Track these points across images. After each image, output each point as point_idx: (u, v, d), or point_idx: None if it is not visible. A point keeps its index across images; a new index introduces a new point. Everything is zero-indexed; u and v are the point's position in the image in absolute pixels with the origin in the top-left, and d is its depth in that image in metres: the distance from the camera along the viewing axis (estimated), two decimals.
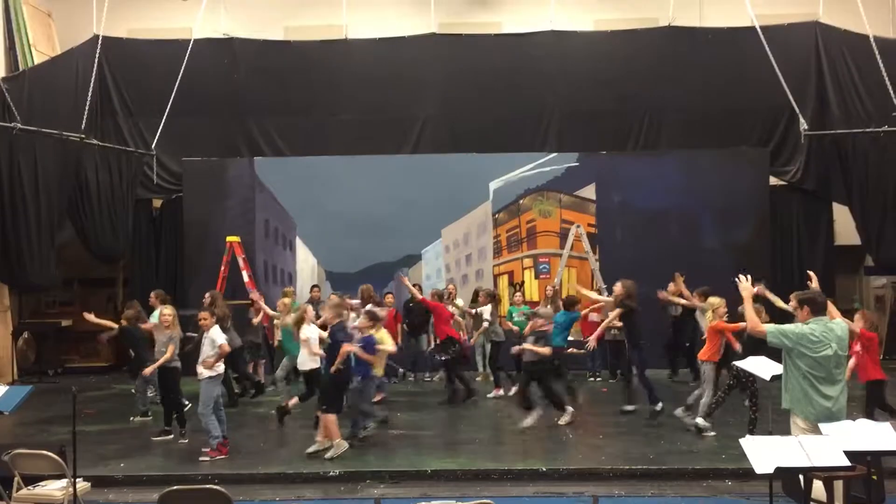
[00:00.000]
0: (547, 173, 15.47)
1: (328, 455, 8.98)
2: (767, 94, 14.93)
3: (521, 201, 15.52)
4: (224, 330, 10.75)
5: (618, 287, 10.93)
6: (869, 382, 8.99)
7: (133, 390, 11.84)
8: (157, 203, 16.39)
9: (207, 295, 12.08)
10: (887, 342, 15.64)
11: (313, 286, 14.36)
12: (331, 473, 8.60)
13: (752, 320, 6.55)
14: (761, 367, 8.68)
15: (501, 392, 12.47)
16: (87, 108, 14.49)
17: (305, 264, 15.69)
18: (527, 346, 10.19)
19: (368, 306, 10.68)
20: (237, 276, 14.63)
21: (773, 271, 15.04)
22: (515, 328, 12.93)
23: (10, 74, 14.25)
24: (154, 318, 11.77)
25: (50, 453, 6.67)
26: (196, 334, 10.20)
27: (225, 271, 14.66)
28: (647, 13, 16.44)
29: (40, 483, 6.83)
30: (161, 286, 14.36)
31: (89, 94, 14.61)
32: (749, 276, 6.83)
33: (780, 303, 10.28)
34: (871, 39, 13.86)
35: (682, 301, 11.81)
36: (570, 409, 10.36)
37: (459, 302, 13.58)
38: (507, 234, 15.56)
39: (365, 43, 16.21)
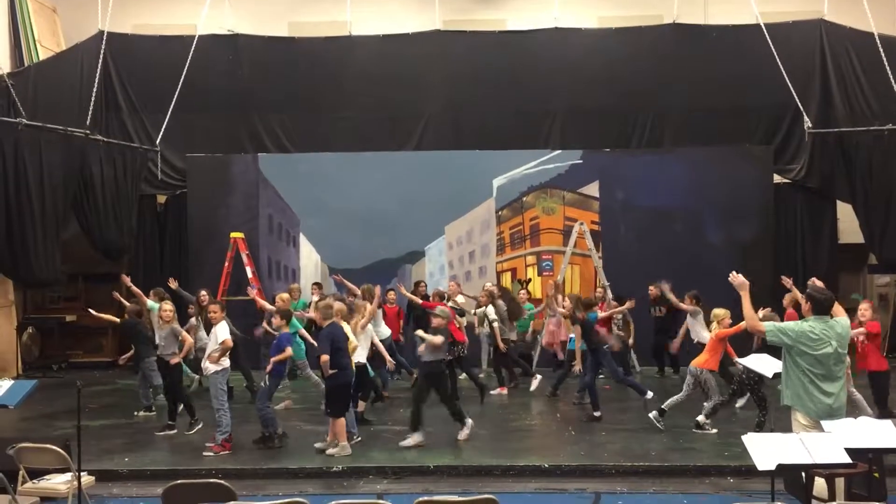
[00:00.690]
0: (550, 170, 15.47)
1: (329, 451, 9.03)
2: (772, 91, 14.92)
3: (524, 198, 15.53)
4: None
5: (567, 304, 11.01)
6: (872, 373, 8.93)
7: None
8: (162, 199, 16.45)
9: (203, 293, 12.10)
10: (890, 339, 15.65)
11: (314, 284, 14.36)
12: (334, 469, 8.62)
13: (751, 318, 6.52)
14: (763, 364, 8.68)
15: (505, 391, 12.47)
16: (91, 103, 14.53)
17: (309, 260, 15.71)
18: (421, 333, 9.59)
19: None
20: (241, 272, 14.66)
21: (776, 269, 15.04)
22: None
23: (15, 70, 14.27)
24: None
25: (54, 447, 6.70)
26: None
27: (228, 267, 14.69)
28: (652, 10, 16.44)
29: (45, 477, 6.86)
30: (165, 282, 14.37)
31: (94, 89, 14.65)
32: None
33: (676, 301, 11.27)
34: (876, 37, 13.83)
35: (675, 300, 11.99)
36: (469, 421, 9.57)
37: (460, 299, 13.58)
38: (510, 231, 15.57)
39: (369, 40, 16.22)
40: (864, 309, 8.82)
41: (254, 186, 15.71)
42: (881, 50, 13.75)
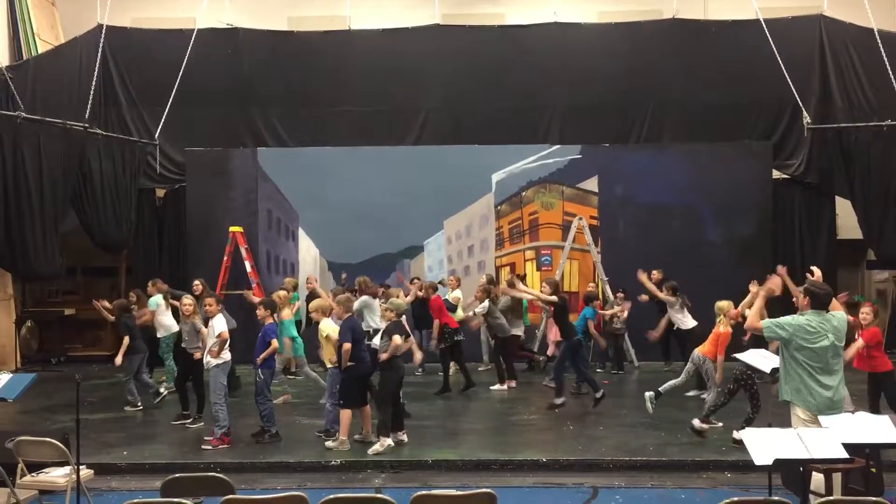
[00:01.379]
0: (549, 165, 15.47)
1: (327, 444, 9.05)
2: (771, 87, 14.92)
3: (523, 193, 15.53)
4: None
5: (546, 289, 11.02)
6: (880, 374, 8.80)
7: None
8: (161, 193, 16.42)
9: (198, 282, 12.11)
10: (888, 336, 15.66)
11: (308, 277, 14.33)
12: (332, 463, 8.65)
13: (752, 319, 6.61)
14: (761, 360, 8.69)
15: (505, 386, 12.49)
16: (90, 97, 14.51)
17: (308, 255, 15.71)
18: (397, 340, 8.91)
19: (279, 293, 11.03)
20: (240, 266, 14.65)
21: (775, 265, 15.03)
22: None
23: (13, 63, 14.25)
24: (152, 306, 11.86)
25: (53, 440, 6.72)
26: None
27: (227, 261, 14.69)
28: (651, 5, 16.42)
29: (44, 470, 6.88)
30: (164, 276, 14.39)
31: (93, 83, 14.63)
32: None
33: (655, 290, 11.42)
34: (876, 33, 13.82)
35: (653, 290, 12.21)
36: (389, 442, 8.97)
37: (458, 293, 13.59)
38: (509, 225, 15.57)
39: (368, 34, 16.19)
40: (866, 313, 8.70)
41: (253, 180, 15.70)
42: (881, 46, 13.74)
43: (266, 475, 8.45)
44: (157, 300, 11.93)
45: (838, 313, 6.60)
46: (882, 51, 13.72)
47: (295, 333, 11.62)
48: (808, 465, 5.84)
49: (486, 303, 12.45)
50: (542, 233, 15.48)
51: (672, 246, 14.84)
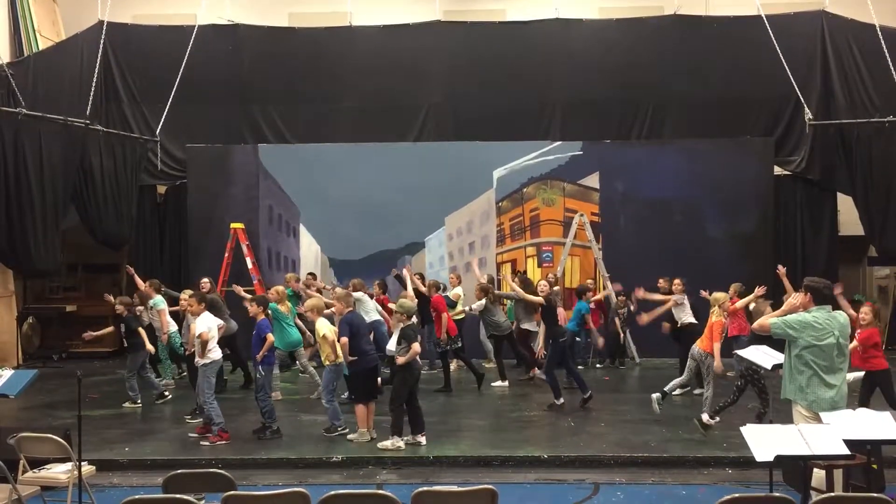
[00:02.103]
0: (551, 162, 15.46)
1: (349, 436, 9.15)
2: (773, 83, 14.89)
3: (524, 190, 15.52)
4: (221, 315, 10.88)
5: (543, 286, 11.00)
6: (876, 373, 8.81)
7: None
8: (162, 189, 16.44)
9: (206, 280, 12.14)
10: (890, 332, 15.66)
11: (309, 274, 14.35)
12: (333, 459, 8.66)
13: (761, 321, 6.64)
14: (762, 356, 8.69)
15: (507, 383, 12.50)
16: (91, 93, 14.49)
17: (309, 251, 15.71)
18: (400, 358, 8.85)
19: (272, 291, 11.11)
20: (241, 262, 14.65)
21: (776, 261, 15.03)
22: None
23: (14, 60, 14.24)
24: (159, 305, 11.84)
25: (55, 437, 6.72)
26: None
27: (229, 258, 14.68)
28: (653, 2, 16.41)
29: (45, 466, 6.88)
30: (165, 272, 14.43)
31: (94, 79, 14.62)
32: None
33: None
34: (878, 29, 13.80)
35: (658, 298, 12.19)
36: (401, 442, 8.90)
37: (458, 290, 13.58)
38: (510, 222, 15.57)
39: (369, 30, 16.19)
40: (865, 313, 8.69)
41: (254, 177, 15.70)
42: (882, 41, 13.71)
43: (267, 471, 8.46)
44: (159, 301, 11.89)
45: (842, 313, 6.60)
46: (884, 46, 13.70)
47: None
48: (810, 461, 5.85)
49: (483, 301, 12.45)
50: (544, 229, 15.47)
51: (673, 242, 14.84)
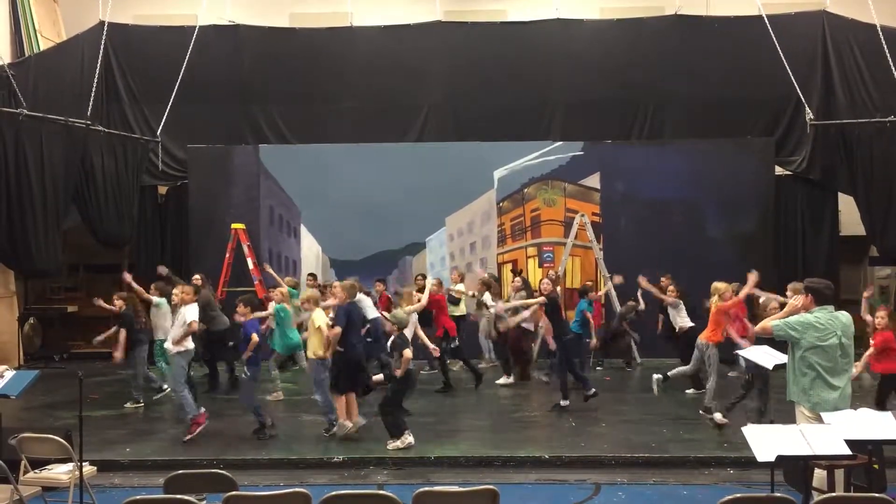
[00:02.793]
0: (551, 162, 15.46)
1: (331, 431, 9.19)
2: (773, 83, 14.88)
3: (525, 190, 15.52)
4: (214, 313, 10.88)
5: (546, 285, 10.97)
6: (892, 375, 8.79)
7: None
8: (163, 190, 16.44)
9: (198, 276, 12.14)
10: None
11: (309, 275, 14.36)
12: (334, 459, 8.66)
13: (763, 324, 6.63)
14: (763, 356, 8.69)
15: (512, 379, 12.51)
16: (92, 94, 14.49)
17: (310, 252, 15.72)
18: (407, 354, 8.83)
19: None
20: (242, 263, 14.66)
21: (777, 262, 15.06)
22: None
23: (15, 60, 14.24)
24: (162, 307, 11.79)
25: (56, 437, 6.73)
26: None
27: (230, 258, 14.68)
28: (654, 2, 16.40)
29: (47, 467, 6.89)
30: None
31: (95, 80, 14.62)
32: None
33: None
34: (879, 29, 13.79)
35: (657, 293, 12.17)
36: (408, 440, 8.93)
37: (461, 286, 13.59)
38: (511, 222, 15.57)
39: (370, 30, 16.19)
40: (881, 317, 8.67)
41: (255, 177, 15.71)
42: (883, 42, 13.69)
43: (269, 472, 8.46)
44: (161, 303, 11.86)
45: (845, 313, 6.59)
46: (885, 46, 13.68)
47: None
48: (811, 461, 5.84)
49: (487, 295, 12.48)
50: (544, 229, 15.47)
51: (674, 242, 14.84)
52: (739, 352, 9.41)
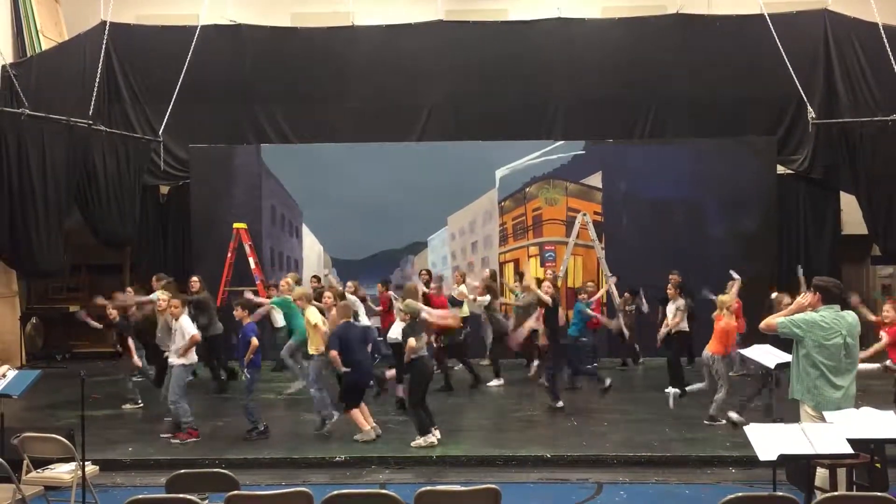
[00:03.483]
0: (553, 161, 15.45)
1: (355, 437, 9.19)
2: (775, 82, 14.87)
3: (527, 189, 15.52)
4: (209, 316, 10.87)
5: (547, 287, 10.99)
6: None
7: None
8: (165, 189, 16.46)
9: (195, 279, 12.13)
10: None
11: (312, 277, 14.36)
12: (336, 459, 8.66)
13: (767, 321, 6.61)
14: (765, 355, 8.69)
15: (502, 381, 12.51)
16: (94, 94, 14.50)
17: (311, 251, 15.72)
18: (411, 343, 8.87)
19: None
20: (244, 262, 14.67)
21: (779, 261, 15.06)
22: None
23: (17, 60, 14.27)
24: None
25: (59, 437, 6.73)
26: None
27: (231, 258, 14.70)
28: (655, 1, 16.38)
29: (49, 466, 6.89)
30: (168, 272, 14.33)
31: (97, 80, 14.63)
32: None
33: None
34: (881, 28, 13.78)
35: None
36: (433, 438, 9.01)
37: (462, 288, 13.58)
38: (512, 222, 15.56)
39: (371, 30, 16.20)
40: (887, 310, 8.66)
41: (256, 177, 15.71)
42: (885, 40, 13.69)
43: (271, 471, 8.46)
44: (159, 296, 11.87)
45: (851, 312, 6.58)
46: (886, 45, 13.67)
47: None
48: (813, 460, 5.84)
49: (487, 297, 12.48)
50: (546, 229, 15.46)
51: (676, 241, 14.82)
52: (741, 350, 9.41)
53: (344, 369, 9.04)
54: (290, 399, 11.61)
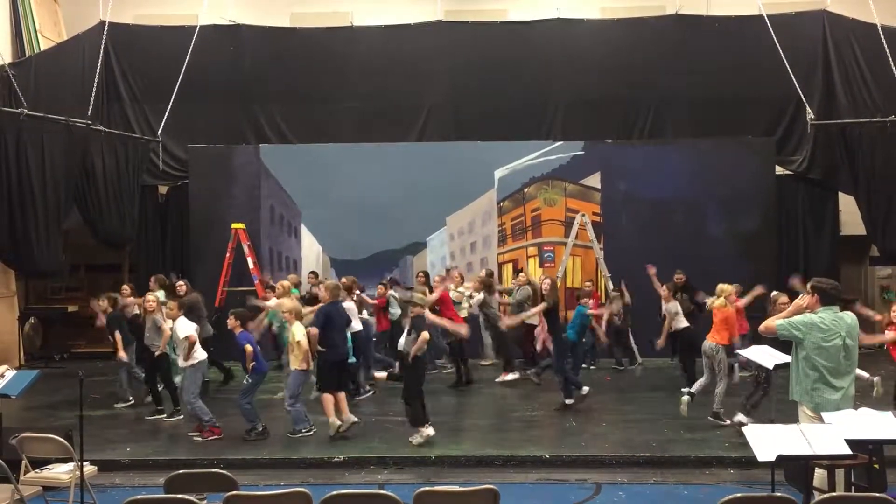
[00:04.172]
0: (552, 161, 15.45)
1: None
2: (774, 83, 14.88)
3: (526, 189, 15.52)
4: (198, 318, 10.89)
5: (546, 285, 10.97)
6: None
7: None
8: (164, 189, 16.45)
9: (182, 283, 12.13)
10: None
11: (310, 273, 14.37)
12: (335, 459, 8.66)
13: (766, 323, 6.61)
14: (764, 356, 8.69)
15: (510, 377, 12.51)
16: (93, 94, 14.51)
17: (310, 251, 15.72)
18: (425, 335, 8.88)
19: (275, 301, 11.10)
20: (243, 262, 14.66)
21: (778, 261, 15.06)
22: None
23: (16, 60, 14.25)
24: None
25: (57, 437, 6.73)
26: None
27: (230, 258, 14.70)
28: (655, 1, 16.40)
29: (47, 466, 6.90)
30: (166, 273, 14.33)
31: (95, 80, 14.64)
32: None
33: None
34: (879, 29, 13.80)
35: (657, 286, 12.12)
36: (428, 432, 9.08)
37: (462, 289, 13.58)
38: (511, 222, 15.56)
39: (370, 30, 16.20)
40: (895, 310, 8.68)
41: (255, 177, 15.71)
42: (884, 41, 13.71)
43: (269, 471, 8.46)
44: (159, 297, 11.86)
45: (850, 314, 6.57)
46: (885, 46, 13.68)
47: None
48: (812, 461, 5.84)
49: (482, 294, 12.49)
50: (545, 229, 15.46)
51: (675, 242, 14.82)
52: (740, 351, 9.40)
53: (320, 349, 9.18)
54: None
